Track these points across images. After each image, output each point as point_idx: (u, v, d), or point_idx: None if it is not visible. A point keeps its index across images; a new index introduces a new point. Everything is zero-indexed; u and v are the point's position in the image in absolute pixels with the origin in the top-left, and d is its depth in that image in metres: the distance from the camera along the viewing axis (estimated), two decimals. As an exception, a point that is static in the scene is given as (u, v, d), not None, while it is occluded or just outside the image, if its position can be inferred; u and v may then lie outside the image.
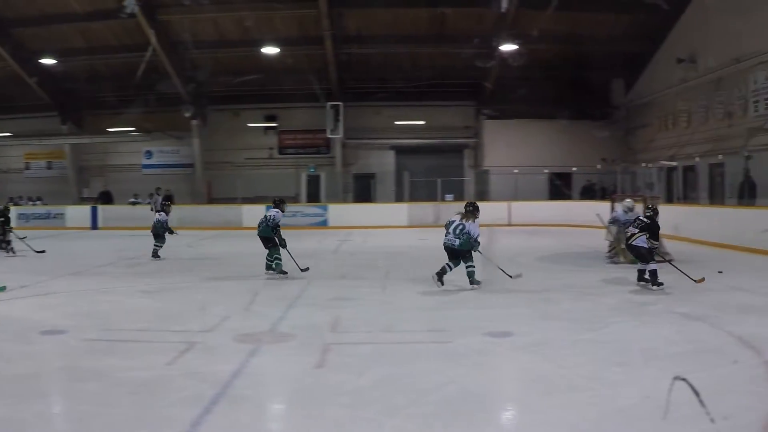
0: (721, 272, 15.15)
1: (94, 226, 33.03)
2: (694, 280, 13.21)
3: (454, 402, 6.51)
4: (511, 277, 14.00)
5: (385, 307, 11.76)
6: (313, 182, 36.47)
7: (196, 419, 5.94)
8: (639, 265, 13.59)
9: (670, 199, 28.34)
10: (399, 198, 35.77)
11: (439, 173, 34.98)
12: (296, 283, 14.15)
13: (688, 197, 28.46)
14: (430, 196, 33.82)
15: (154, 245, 19.43)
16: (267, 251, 15.50)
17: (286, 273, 15.12)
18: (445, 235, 13.57)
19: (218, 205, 34.12)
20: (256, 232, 15.68)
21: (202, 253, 21.25)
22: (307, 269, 15.27)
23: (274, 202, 16.06)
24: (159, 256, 19.31)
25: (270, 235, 15.19)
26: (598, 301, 12.05)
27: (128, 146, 37.82)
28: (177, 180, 36.92)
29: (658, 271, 13.08)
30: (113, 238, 27.15)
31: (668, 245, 18.67)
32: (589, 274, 15.61)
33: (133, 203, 34.38)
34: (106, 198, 35.62)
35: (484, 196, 35.28)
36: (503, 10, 28.12)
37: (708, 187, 26.93)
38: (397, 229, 30.79)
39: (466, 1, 29.71)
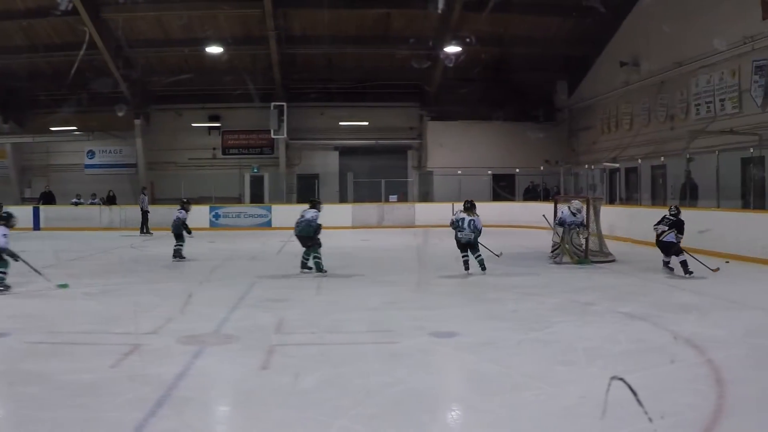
0: (728, 262, 16.61)
1: (36, 226, 32.56)
2: (711, 269, 14.76)
3: (401, 402, 6.55)
4: (497, 255, 16.45)
5: (330, 307, 11.74)
6: (257, 183, 36.21)
7: (141, 422, 5.90)
8: (663, 257, 15.32)
9: (612, 200, 28.65)
10: (343, 199, 35.81)
11: (382, 174, 35.14)
12: (240, 285, 14.09)
13: (630, 198, 28.81)
14: (374, 197, 33.90)
15: (176, 245, 19.04)
16: (304, 250, 15.93)
17: (326, 271, 15.52)
18: (460, 231, 15.42)
19: (161, 206, 33.74)
20: (293, 232, 16.06)
21: (146, 254, 21.07)
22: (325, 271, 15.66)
23: (311, 202, 16.59)
24: (183, 257, 18.98)
25: (311, 235, 15.60)
26: (542, 301, 12.16)
27: (71, 146, 37.29)
28: (120, 180, 36.42)
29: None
30: (55, 239, 26.78)
31: (610, 245, 18.94)
32: (533, 275, 15.77)
33: (76, 204, 33.92)
34: (48, 198, 35.06)
35: (427, 197, 35.49)
36: (440, 10, 28.26)
37: (650, 189, 27.27)
38: (341, 230, 30.78)
39: (411, 4, 29.77)
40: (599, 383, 6.21)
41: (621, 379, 5.87)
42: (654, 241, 15.42)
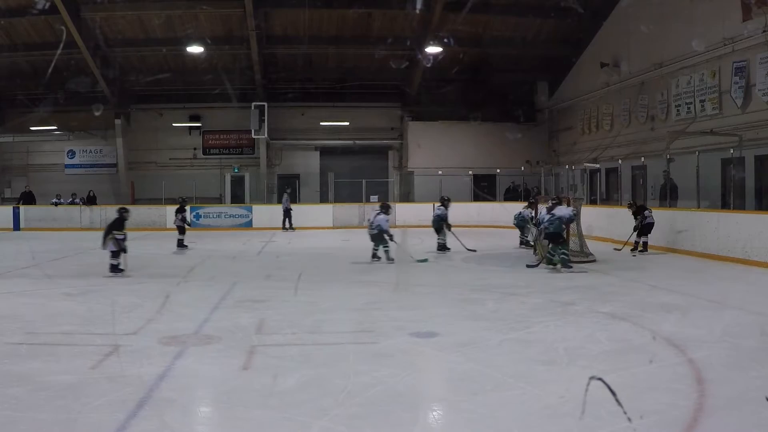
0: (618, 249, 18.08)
1: (16, 227, 32.39)
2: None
3: (382, 403, 6.53)
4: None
5: (311, 308, 11.70)
6: (238, 183, 36.19)
7: (122, 423, 5.87)
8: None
9: (593, 201, 28.73)
10: (324, 199, 35.77)
11: (363, 174, 35.12)
12: (221, 285, 14.06)
13: (610, 199, 28.91)
14: (355, 198, 33.88)
15: (438, 240, 20.58)
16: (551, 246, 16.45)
17: (572, 267, 16.01)
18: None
19: (142, 206, 33.59)
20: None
21: (127, 254, 20.97)
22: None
23: (555, 201, 17.05)
24: (448, 248, 20.34)
25: (560, 231, 16.09)
26: (522, 301, 12.18)
27: (51, 145, 37.04)
28: (100, 180, 36.26)
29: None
30: (36, 239, 26.64)
31: (590, 245, 18.98)
32: (513, 275, 15.79)
33: (56, 204, 33.72)
34: (28, 198, 34.87)
35: (408, 197, 35.48)
36: (418, 10, 28.32)
37: (630, 189, 27.36)
38: (322, 230, 30.78)
39: (391, 4, 29.78)
40: (580, 383, 6.22)
41: (600, 379, 5.88)
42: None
